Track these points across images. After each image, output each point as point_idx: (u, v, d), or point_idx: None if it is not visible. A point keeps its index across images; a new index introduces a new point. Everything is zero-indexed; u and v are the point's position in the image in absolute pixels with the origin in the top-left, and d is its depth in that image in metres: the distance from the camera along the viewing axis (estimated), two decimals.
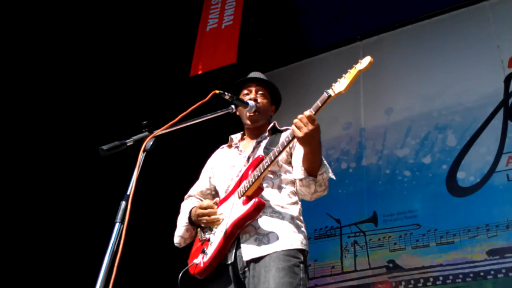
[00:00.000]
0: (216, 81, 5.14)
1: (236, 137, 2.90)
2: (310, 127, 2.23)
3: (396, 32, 5.62)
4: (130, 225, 1.89)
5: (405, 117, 5.15)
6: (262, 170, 2.38)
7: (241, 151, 2.76)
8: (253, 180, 2.40)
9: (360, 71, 2.19)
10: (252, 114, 2.73)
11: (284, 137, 2.56)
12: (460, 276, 4.24)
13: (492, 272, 4.13)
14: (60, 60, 5.36)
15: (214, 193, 2.81)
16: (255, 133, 2.82)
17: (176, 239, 2.70)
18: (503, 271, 4.10)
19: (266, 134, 2.77)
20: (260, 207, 2.36)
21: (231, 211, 2.43)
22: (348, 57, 5.75)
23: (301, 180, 2.40)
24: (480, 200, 4.44)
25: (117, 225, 1.91)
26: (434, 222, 4.54)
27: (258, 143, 2.73)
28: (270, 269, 2.29)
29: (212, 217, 2.52)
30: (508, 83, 4.73)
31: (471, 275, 4.20)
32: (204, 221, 2.55)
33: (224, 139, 2.95)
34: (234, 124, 3.05)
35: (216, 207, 2.57)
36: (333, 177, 2.44)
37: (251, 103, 2.73)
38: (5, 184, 4.88)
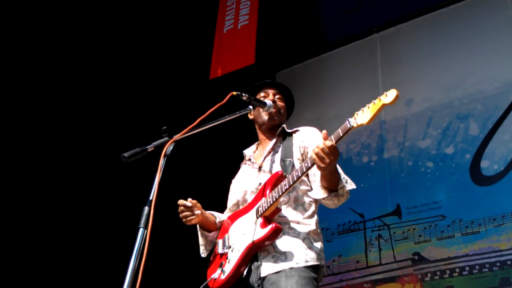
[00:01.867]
0: (235, 82, 5.20)
1: (250, 150, 2.94)
2: (332, 157, 2.20)
3: (413, 22, 5.54)
4: (154, 230, 1.94)
5: (425, 108, 5.09)
6: (280, 193, 2.39)
7: (253, 163, 2.80)
8: (272, 202, 2.42)
9: (384, 104, 2.09)
10: (270, 111, 2.76)
11: (297, 144, 2.66)
12: (487, 265, 4.20)
13: None
14: (80, 65, 5.45)
15: None
16: (269, 137, 2.84)
17: (201, 249, 2.81)
18: None
19: (275, 140, 2.79)
20: (278, 232, 2.39)
21: (250, 231, 2.48)
22: (365, 49, 5.73)
23: (323, 198, 2.43)
24: (505, 188, 4.38)
25: (141, 230, 1.96)
26: (458, 213, 4.50)
27: (269, 152, 2.75)
28: (293, 276, 2.34)
29: (183, 214, 2.64)
30: None
31: (498, 264, 4.15)
32: (181, 216, 2.66)
33: (243, 142, 2.98)
34: (253, 128, 3.07)
35: (190, 204, 2.65)
36: (354, 186, 2.44)
37: (269, 102, 2.76)
38: (30, 191, 4.98)
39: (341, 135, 2.20)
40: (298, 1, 6.33)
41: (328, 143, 2.20)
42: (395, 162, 5.08)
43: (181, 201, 2.66)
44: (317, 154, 2.21)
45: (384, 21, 5.72)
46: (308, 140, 2.68)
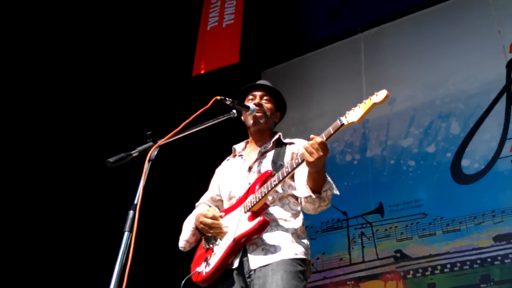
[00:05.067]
0: (219, 80, 5.19)
1: (239, 146, 2.96)
2: (321, 153, 2.27)
3: (397, 22, 5.61)
4: (138, 234, 1.96)
5: (408, 107, 5.16)
6: (269, 189, 2.44)
7: (244, 160, 2.82)
8: (260, 197, 2.46)
9: (375, 103, 2.20)
10: (254, 115, 2.79)
11: (290, 152, 2.68)
12: (468, 263, 4.28)
13: (499, 258, 4.16)
14: (62, 68, 5.33)
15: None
16: (260, 140, 2.86)
17: (181, 243, 2.77)
18: (510, 256, 4.13)
19: (270, 145, 2.81)
20: (265, 225, 2.43)
21: (237, 225, 2.51)
22: (349, 49, 5.79)
23: (306, 198, 2.46)
24: (485, 186, 4.46)
25: (126, 234, 1.98)
26: (440, 211, 4.58)
27: (262, 154, 2.78)
28: (278, 271, 2.37)
29: (215, 230, 2.58)
30: (510, 69, 4.71)
31: (478, 261, 4.24)
32: (208, 231, 2.61)
33: (228, 146, 2.99)
34: (237, 131, 3.09)
35: (219, 219, 2.62)
36: (337, 192, 2.49)
37: (252, 106, 2.79)
38: (13, 196, 4.90)
39: (332, 132, 2.29)
40: (283, 0, 6.34)
41: (318, 139, 2.28)
42: (377, 161, 5.15)
43: (215, 215, 2.63)
44: (306, 149, 2.28)
45: (368, 21, 5.77)
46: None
